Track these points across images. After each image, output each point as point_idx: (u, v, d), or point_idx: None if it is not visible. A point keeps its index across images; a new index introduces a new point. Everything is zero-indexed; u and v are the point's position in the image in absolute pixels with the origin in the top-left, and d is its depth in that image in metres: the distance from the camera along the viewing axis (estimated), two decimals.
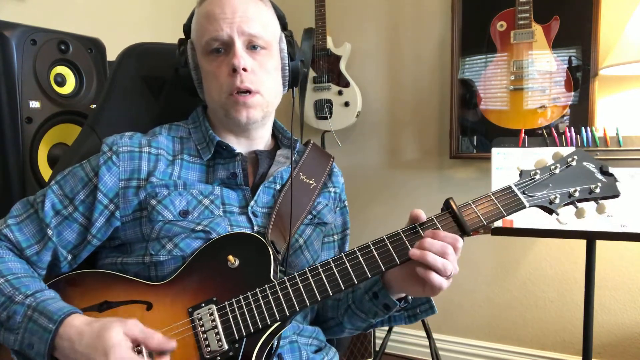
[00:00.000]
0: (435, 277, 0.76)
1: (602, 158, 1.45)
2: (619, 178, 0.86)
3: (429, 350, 1.95)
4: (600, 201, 0.83)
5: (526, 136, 1.57)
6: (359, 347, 2.09)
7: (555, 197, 0.81)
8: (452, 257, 0.77)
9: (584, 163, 0.85)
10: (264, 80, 0.91)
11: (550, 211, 0.82)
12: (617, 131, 1.47)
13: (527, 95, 1.92)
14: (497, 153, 1.49)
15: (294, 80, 1.00)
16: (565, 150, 0.88)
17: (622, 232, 1.33)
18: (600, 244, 1.82)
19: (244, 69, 0.87)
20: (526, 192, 0.81)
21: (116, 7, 1.97)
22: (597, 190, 0.82)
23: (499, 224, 1.43)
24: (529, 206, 0.81)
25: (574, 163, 0.84)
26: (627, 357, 1.97)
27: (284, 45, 0.96)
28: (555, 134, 1.55)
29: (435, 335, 2.02)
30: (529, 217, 1.41)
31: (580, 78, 1.87)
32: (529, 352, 2.15)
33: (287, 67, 0.97)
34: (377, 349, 2.08)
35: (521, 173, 0.84)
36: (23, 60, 1.26)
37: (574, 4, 1.87)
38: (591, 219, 1.35)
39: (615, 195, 0.83)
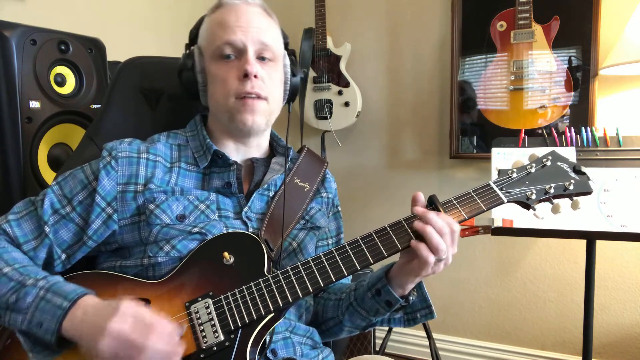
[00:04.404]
0: (424, 249, 0.79)
1: (602, 158, 1.45)
2: (622, 178, 0.88)
3: (429, 350, 1.95)
4: (574, 198, 0.88)
5: (526, 136, 1.57)
6: (358, 347, 2.09)
7: (532, 194, 0.86)
8: (447, 237, 0.79)
9: (558, 163, 0.90)
10: (271, 90, 0.95)
11: (527, 206, 0.87)
12: (617, 131, 1.47)
13: (527, 95, 1.92)
14: (497, 153, 1.49)
15: (293, 95, 1.04)
16: (564, 151, 0.90)
17: (622, 232, 1.33)
18: (600, 244, 1.83)
19: (255, 76, 0.91)
20: (504, 189, 0.86)
21: (116, 7, 1.97)
22: (571, 188, 0.87)
23: (499, 223, 1.43)
24: (507, 201, 0.86)
25: (548, 163, 0.90)
26: (627, 357, 1.97)
27: (287, 61, 1.01)
28: (555, 134, 1.55)
29: (435, 335, 2.02)
30: (529, 217, 1.41)
31: (580, 78, 1.87)
32: (529, 352, 2.15)
33: (289, 82, 1.01)
34: (377, 348, 2.08)
35: (499, 172, 0.89)
36: (23, 60, 1.26)
37: (574, 4, 1.87)
38: (588, 218, 1.35)
39: (588, 192, 0.88)
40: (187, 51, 0.99)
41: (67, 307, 0.74)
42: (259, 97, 0.92)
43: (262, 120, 0.94)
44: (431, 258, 0.79)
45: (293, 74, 1.01)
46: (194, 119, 1.04)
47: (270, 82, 0.94)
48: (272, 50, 0.94)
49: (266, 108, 0.94)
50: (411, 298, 0.91)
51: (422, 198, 0.85)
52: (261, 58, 0.93)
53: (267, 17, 0.97)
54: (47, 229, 0.87)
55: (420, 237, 0.80)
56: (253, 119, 0.92)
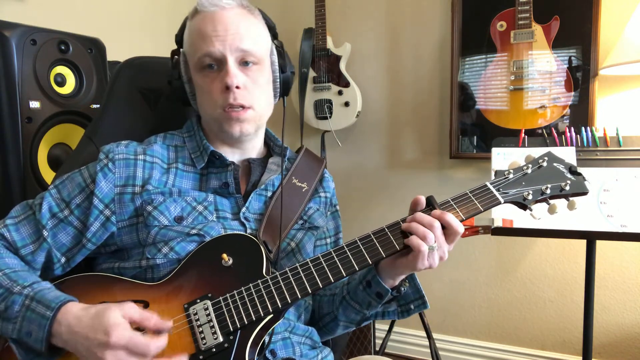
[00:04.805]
0: (414, 239, 0.80)
1: (602, 158, 1.45)
2: (622, 178, 0.88)
3: (429, 350, 1.95)
4: (570, 198, 0.89)
5: (526, 136, 1.57)
6: (358, 347, 2.09)
7: (529, 194, 0.86)
8: (437, 231, 0.81)
9: (554, 164, 0.91)
10: (256, 96, 0.94)
11: (524, 207, 0.88)
12: (617, 131, 1.47)
13: (527, 95, 1.92)
14: (497, 153, 1.49)
15: (285, 90, 1.03)
16: (564, 151, 0.91)
17: (622, 232, 1.33)
18: (600, 244, 1.83)
19: (237, 87, 0.90)
20: (501, 190, 0.87)
21: (116, 7, 1.97)
22: (567, 188, 0.87)
23: (499, 223, 1.43)
24: (504, 202, 0.86)
25: (544, 164, 0.90)
26: (627, 357, 1.97)
27: (275, 58, 0.99)
28: (555, 134, 1.55)
29: (435, 335, 2.02)
30: (529, 217, 1.41)
31: (580, 78, 1.87)
32: (529, 352, 2.15)
33: (279, 79, 1.00)
34: (377, 348, 2.08)
35: (496, 173, 0.90)
36: (23, 60, 1.26)
37: (574, 4, 1.87)
38: (588, 218, 1.35)
39: (584, 192, 0.89)
40: (174, 60, 0.99)
41: (51, 317, 0.73)
42: (242, 107, 0.91)
43: (251, 127, 0.95)
44: (423, 247, 0.79)
45: (282, 70, 1.00)
46: (191, 120, 1.04)
47: (255, 87, 0.93)
48: (254, 55, 0.92)
49: (253, 115, 0.94)
50: (403, 289, 0.92)
51: (423, 201, 0.86)
52: (244, 63, 0.92)
53: (247, 17, 0.94)
54: (45, 233, 0.86)
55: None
56: (241, 129, 0.93)
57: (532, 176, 0.89)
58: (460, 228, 0.82)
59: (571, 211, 0.89)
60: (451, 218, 0.82)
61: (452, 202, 0.85)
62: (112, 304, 0.75)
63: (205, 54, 0.91)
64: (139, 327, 0.75)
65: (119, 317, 0.72)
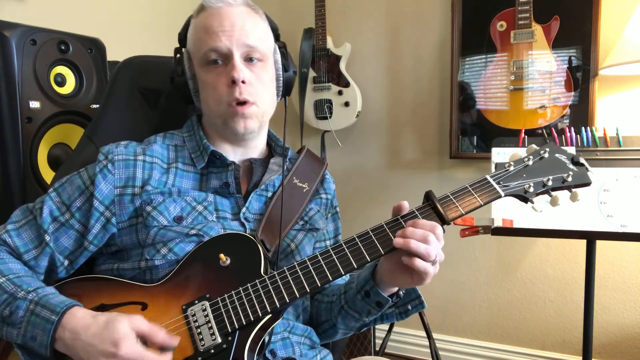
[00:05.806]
0: (419, 263, 0.77)
1: (602, 158, 1.45)
2: (622, 178, 0.86)
3: (429, 350, 1.95)
4: (573, 189, 0.86)
5: (526, 136, 1.57)
6: (358, 347, 2.09)
7: (530, 186, 0.84)
8: (433, 243, 0.78)
9: (556, 155, 0.89)
10: (260, 92, 0.94)
11: (525, 200, 0.85)
12: (617, 131, 1.47)
13: (527, 95, 1.92)
14: (497, 153, 1.49)
15: (287, 90, 1.03)
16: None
17: (622, 232, 1.33)
18: (600, 244, 1.83)
19: (243, 81, 0.90)
20: (501, 183, 0.85)
21: (116, 7, 1.97)
22: (570, 179, 0.85)
23: (499, 223, 1.43)
24: (505, 195, 0.84)
25: (546, 155, 0.88)
26: (627, 357, 1.97)
27: (278, 57, 1.00)
28: (555, 134, 1.55)
29: (435, 335, 2.02)
30: (529, 217, 1.40)
31: (580, 78, 1.87)
32: (529, 352, 2.15)
33: (282, 78, 1.00)
34: (377, 348, 2.08)
35: (496, 166, 0.88)
36: (23, 60, 1.26)
37: (574, 4, 1.87)
38: (588, 218, 1.35)
39: (587, 183, 0.86)
40: (177, 56, 0.99)
41: (56, 321, 0.73)
42: (247, 102, 0.91)
43: (255, 124, 0.94)
44: (430, 268, 0.78)
45: (285, 69, 1.00)
46: (191, 119, 1.04)
47: (259, 84, 0.93)
48: (259, 51, 0.93)
49: (257, 111, 0.94)
50: (401, 293, 0.91)
51: (407, 207, 0.83)
52: (249, 59, 0.93)
53: (252, 15, 0.95)
54: (47, 238, 0.86)
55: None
56: (245, 125, 0.93)
57: (533, 168, 0.86)
58: (434, 227, 0.78)
59: (574, 202, 0.86)
60: (422, 221, 0.79)
61: (451, 197, 0.83)
62: (121, 314, 0.74)
63: (211, 49, 0.91)
64: (143, 340, 0.74)
65: (128, 329, 0.71)
